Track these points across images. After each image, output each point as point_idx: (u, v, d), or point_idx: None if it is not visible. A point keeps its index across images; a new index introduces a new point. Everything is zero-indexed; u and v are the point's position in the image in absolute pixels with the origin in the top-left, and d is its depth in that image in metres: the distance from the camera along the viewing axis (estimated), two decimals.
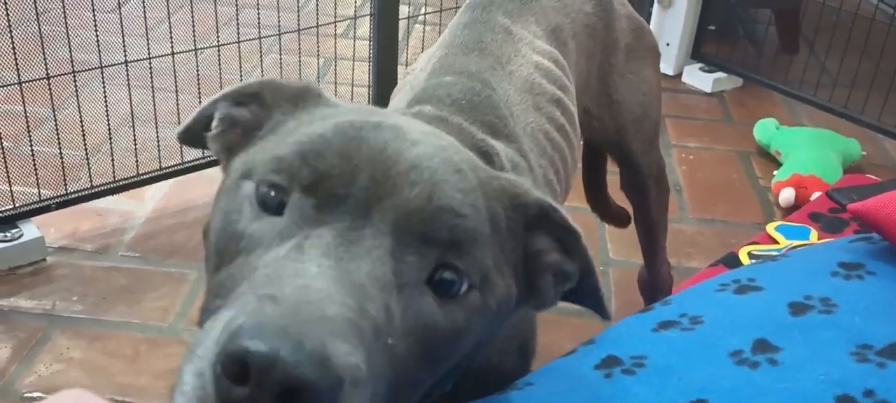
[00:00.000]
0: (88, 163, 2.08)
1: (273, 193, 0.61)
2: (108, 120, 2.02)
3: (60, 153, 1.97)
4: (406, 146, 0.64)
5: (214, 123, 0.77)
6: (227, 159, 0.74)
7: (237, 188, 0.63)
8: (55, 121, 2.04)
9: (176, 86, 2.10)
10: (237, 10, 2.17)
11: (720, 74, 3.05)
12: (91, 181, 2.05)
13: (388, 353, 0.58)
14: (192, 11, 2.04)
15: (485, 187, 0.67)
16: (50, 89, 1.90)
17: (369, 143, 0.62)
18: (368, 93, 2.49)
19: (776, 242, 2.05)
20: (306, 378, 0.47)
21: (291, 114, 0.71)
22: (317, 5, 2.28)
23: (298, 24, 2.23)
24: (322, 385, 0.48)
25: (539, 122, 1.10)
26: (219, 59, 2.12)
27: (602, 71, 1.38)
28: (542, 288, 0.74)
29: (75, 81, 1.95)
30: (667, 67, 3.02)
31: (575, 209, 1.96)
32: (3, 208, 1.96)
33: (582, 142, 1.48)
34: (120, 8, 2.05)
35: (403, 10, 2.42)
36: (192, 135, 0.80)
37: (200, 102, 2.23)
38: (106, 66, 1.97)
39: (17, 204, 1.96)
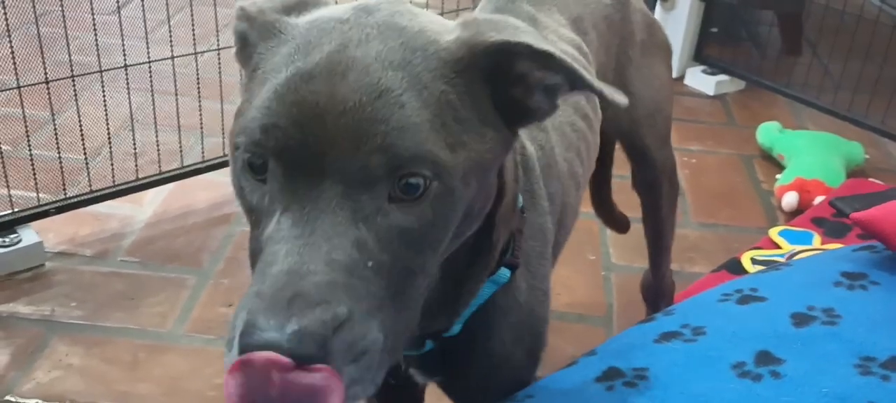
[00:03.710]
0: (87, 168, 2.07)
1: (257, 161, 0.73)
2: (108, 123, 2.01)
3: (59, 157, 1.97)
4: (337, 85, 0.71)
5: (235, 40, 0.84)
6: (246, 71, 0.82)
7: (235, 160, 0.76)
8: (54, 124, 2.03)
9: (176, 90, 2.09)
10: None
11: (723, 77, 3.04)
12: (90, 185, 2.05)
13: (373, 271, 0.70)
14: (192, 14, 2.04)
15: (418, 79, 0.72)
16: (49, 93, 1.89)
17: (307, 100, 0.71)
18: None
19: (779, 247, 2.04)
20: (297, 354, 0.63)
21: (262, 54, 0.78)
22: None
23: None
24: (310, 352, 0.64)
25: (566, 113, 1.13)
26: (219, 62, 2.11)
27: (618, 63, 1.40)
28: (535, 107, 0.79)
29: (74, 85, 1.94)
30: None
31: None
32: (2, 213, 1.95)
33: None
34: (119, 10, 2.04)
35: None
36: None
37: (200, 107, 2.22)
38: (105, 70, 1.96)
39: (15, 209, 1.96)
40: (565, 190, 1.09)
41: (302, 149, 0.71)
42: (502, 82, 0.77)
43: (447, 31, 0.77)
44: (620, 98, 0.79)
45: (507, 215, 0.89)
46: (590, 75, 0.77)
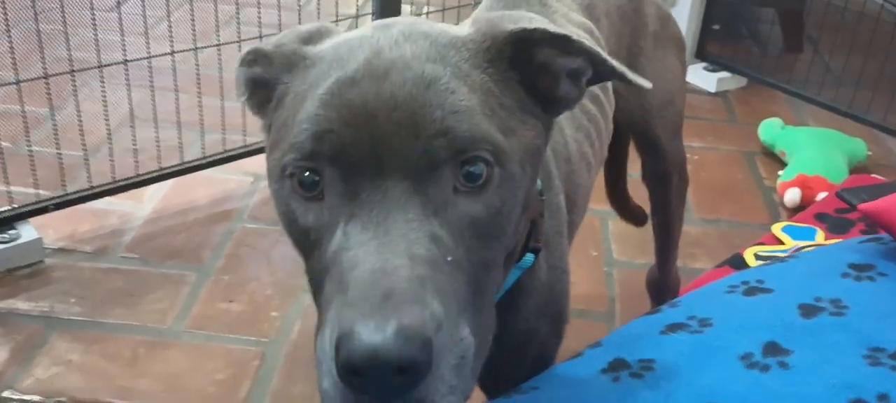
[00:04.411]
0: (87, 164, 2.06)
1: (309, 179, 0.72)
2: (107, 119, 2.00)
3: (59, 153, 1.96)
4: (382, 84, 0.71)
5: (241, 89, 0.84)
6: (263, 116, 0.83)
7: (281, 187, 0.74)
8: (53, 120, 2.02)
9: (176, 86, 2.08)
10: (237, 8, 2.15)
11: (724, 74, 3.03)
12: (90, 181, 2.04)
13: (453, 266, 0.68)
14: (192, 10, 2.03)
15: (459, 69, 0.73)
16: (48, 89, 1.88)
17: (355, 103, 0.70)
18: None
19: (782, 243, 2.03)
20: (406, 356, 0.61)
21: (288, 84, 0.78)
22: (318, 4, 2.26)
23: (300, 23, 2.21)
24: (416, 354, 0.61)
25: None
26: (219, 59, 2.10)
27: (631, 53, 1.40)
28: (563, 95, 0.80)
29: (74, 81, 1.93)
30: None
31: None
32: (1, 209, 1.95)
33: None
34: (119, 6, 2.03)
35: (405, 10, 2.40)
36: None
37: (200, 103, 2.21)
38: (105, 66, 1.95)
39: (14, 205, 1.95)
40: (577, 170, 1.10)
41: (358, 148, 0.69)
42: (528, 73, 0.77)
43: (464, 30, 0.79)
44: (643, 81, 0.80)
45: (531, 205, 0.89)
46: (609, 58, 0.78)
